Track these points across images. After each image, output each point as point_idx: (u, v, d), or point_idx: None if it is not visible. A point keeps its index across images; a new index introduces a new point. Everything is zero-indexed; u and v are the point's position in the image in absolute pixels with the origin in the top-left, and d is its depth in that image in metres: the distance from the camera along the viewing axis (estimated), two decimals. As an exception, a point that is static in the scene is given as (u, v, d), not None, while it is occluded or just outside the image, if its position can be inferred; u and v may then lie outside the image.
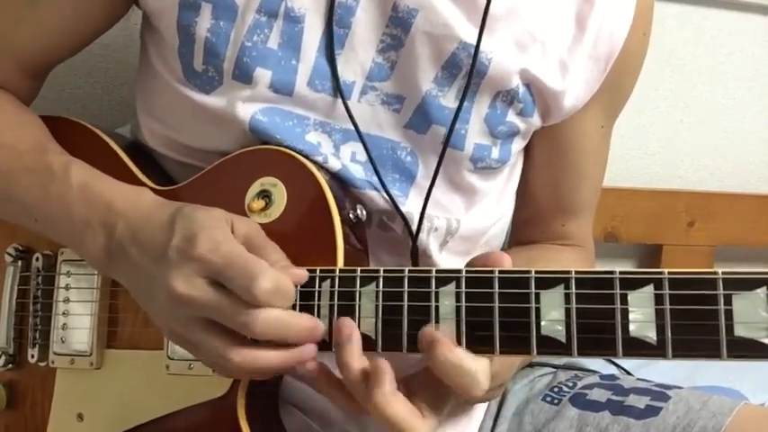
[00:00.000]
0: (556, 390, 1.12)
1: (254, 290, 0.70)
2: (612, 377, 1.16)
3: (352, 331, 0.73)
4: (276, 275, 0.72)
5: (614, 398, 1.06)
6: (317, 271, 0.77)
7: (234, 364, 0.74)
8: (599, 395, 1.08)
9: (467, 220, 1.01)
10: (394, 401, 0.71)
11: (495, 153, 0.98)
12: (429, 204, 0.94)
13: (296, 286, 0.76)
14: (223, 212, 0.78)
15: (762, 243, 1.87)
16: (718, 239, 1.85)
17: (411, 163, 0.95)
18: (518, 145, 1.02)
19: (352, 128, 0.91)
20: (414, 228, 0.94)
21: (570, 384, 1.13)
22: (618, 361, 1.40)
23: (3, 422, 1.01)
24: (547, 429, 1.07)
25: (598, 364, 1.35)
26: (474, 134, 0.96)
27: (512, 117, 0.97)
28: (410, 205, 0.95)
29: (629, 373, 1.35)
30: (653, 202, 1.82)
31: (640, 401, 1.04)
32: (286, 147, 0.89)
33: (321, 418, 0.98)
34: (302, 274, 0.77)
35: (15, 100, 1.01)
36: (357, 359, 0.73)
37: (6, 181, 0.91)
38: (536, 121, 1.00)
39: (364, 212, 0.89)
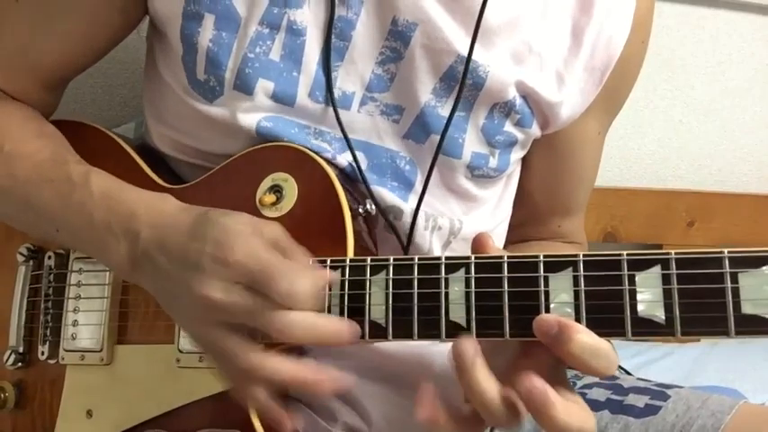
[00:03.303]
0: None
1: (285, 291, 0.71)
2: (612, 377, 1.16)
3: (475, 354, 0.67)
4: (306, 276, 0.73)
5: (614, 397, 1.06)
6: (328, 261, 0.77)
7: (253, 365, 0.73)
8: (598, 394, 1.08)
9: (468, 223, 1.02)
10: (569, 410, 0.66)
11: (493, 162, 0.99)
12: (431, 207, 0.96)
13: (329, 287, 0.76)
14: (247, 216, 0.78)
15: (762, 243, 1.88)
16: (717, 239, 1.86)
17: (410, 172, 0.97)
18: (517, 154, 1.03)
19: (350, 137, 0.93)
20: (406, 230, 0.95)
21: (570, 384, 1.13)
22: (617, 360, 1.41)
23: (11, 421, 1.02)
24: (547, 428, 1.07)
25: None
26: (471, 143, 0.97)
27: (509, 127, 0.98)
28: (409, 211, 0.96)
29: (628, 372, 1.36)
30: (653, 202, 1.83)
31: (640, 400, 1.04)
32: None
33: (327, 415, 0.98)
34: (333, 276, 0.76)
35: (35, 112, 1.01)
36: (490, 381, 0.67)
37: (26, 192, 0.91)
38: (535, 131, 1.01)
39: (373, 207, 0.90)
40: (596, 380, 1.13)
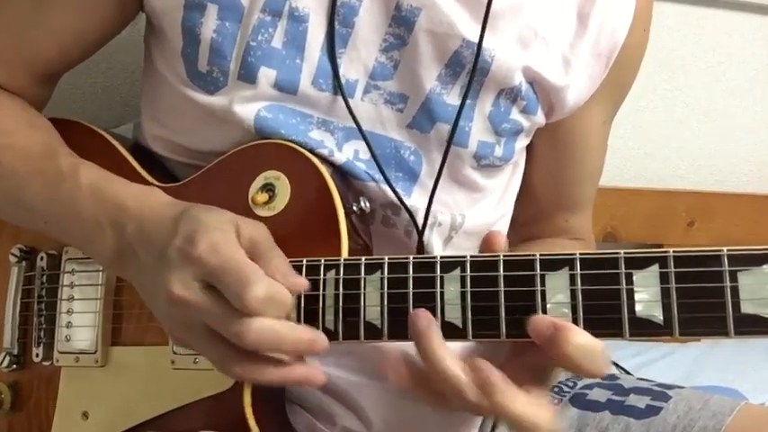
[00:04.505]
0: (556, 390, 1.12)
1: (245, 297, 0.69)
2: (613, 377, 1.16)
3: (429, 322, 0.69)
4: (270, 284, 0.71)
5: (614, 398, 1.06)
6: (322, 260, 0.77)
7: (236, 374, 0.73)
8: (599, 395, 1.08)
9: (471, 216, 1.01)
10: (515, 399, 0.67)
11: (498, 151, 0.98)
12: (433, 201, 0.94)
13: (295, 295, 0.75)
14: (230, 215, 0.77)
15: (762, 243, 1.87)
16: (718, 239, 1.85)
17: (414, 162, 0.96)
18: (522, 142, 1.02)
19: (355, 126, 0.91)
20: (419, 222, 0.94)
21: (570, 384, 1.13)
22: (617, 361, 1.41)
23: (7, 423, 1.01)
24: (547, 429, 1.07)
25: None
26: (478, 131, 0.96)
27: (515, 115, 0.98)
28: (414, 202, 0.95)
29: (629, 373, 1.36)
30: (653, 202, 1.83)
31: (641, 401, 1.04)
32: (290, 141, 0.89)
33: (325, 417, 0.98)
34: (302, 282, 0.75)
35: (26, 104, 1.01)
36: (445, 350, 0.69)
37: (16, 183, 0.90)
38: (540, 118, 1.00)
39: (368, 205, 0.89)
40: (597, 380, 1.12)
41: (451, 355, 0.69)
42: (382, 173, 0.92)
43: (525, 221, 1.14)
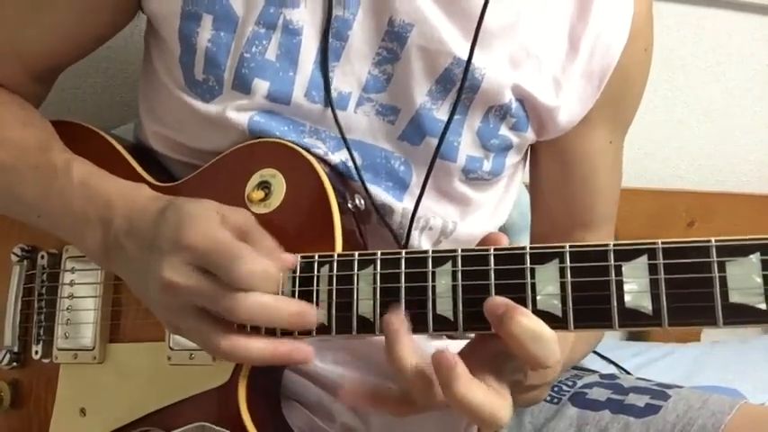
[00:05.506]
0: (555, 389, 1.12)
1: (235, 273, 0.71)
2: (612, 376, 1.16)
3: (400, 326, 0.70)
4: (259, 259, 0.72)
5: (614, 397, 1.06)
6: (316, 256, 0.77)
7: (225, 351, 0.74)
8: (599, 394, 1.08)
9: (463, 226, 1.01)
10: (475, 389, 0.67)
11: (487, 166, 0.99)
12: (424, 208, 0.95)
13: (286, 272, 0.76)
14: (214, 203, 0.79)
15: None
16: (717, 239, 1.85)
17: (404, 172, 0.96)
18: (512, 158, 1.02)
19: (346, 137, 0.92)
20: (404, 232, 0.95)
21: (570, 383, 1.13)
22: (618, 361, 1.41)
23: (6, 420, 1.02)
24: (547, 428, 1.07)
25: (598, 363, 1.36)
26: (466, 146, 0.96)
27: (504, 131, 0.98)
28: (407, 205, 0.96)
29: (629, 372, 1.36)
30: (653, 202, 1.83)
31: (640, 400, 1.04)
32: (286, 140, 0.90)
33: (323, 413, 0.98)
34: (291, 259, 0.77)
35: (22, 100, 1.02)
36: (411, 353, 0.70)
37: (10, 177, 0.91)
38: (530, 135, 1.00)
39: (362, 203, 0.90)
40: (596, 379, 1.13)
41: (414, 353, 0.69)
42: (364, 187, 0.93)
43: (541, 238, 1.14)
